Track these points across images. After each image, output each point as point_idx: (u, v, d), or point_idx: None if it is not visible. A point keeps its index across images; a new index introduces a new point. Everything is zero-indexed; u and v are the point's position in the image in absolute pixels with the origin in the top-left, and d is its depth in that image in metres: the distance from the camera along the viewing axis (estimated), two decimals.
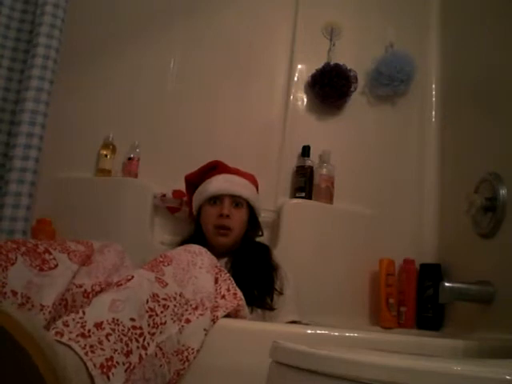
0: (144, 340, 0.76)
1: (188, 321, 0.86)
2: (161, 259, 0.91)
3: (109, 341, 0.69)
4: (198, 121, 1.73)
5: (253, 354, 0.88)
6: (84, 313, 0.71)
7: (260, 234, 1.48)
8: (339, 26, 1.82)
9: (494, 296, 1.19)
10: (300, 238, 1.61)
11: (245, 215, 1.42)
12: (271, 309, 1.29)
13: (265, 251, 1.42)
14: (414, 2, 1.90)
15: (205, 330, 0.88)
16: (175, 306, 0.84)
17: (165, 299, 0.83)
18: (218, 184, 1.40)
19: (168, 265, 0.90)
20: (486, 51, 1.47)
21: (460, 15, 1.73)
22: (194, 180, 1.48)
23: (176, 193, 1.60)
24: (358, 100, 1.79)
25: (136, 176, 1.64)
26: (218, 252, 1.38)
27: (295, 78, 1.81)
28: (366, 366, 0.52)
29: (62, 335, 0.66)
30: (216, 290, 0.97)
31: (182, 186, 1.58)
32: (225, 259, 1.37)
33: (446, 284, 1.21)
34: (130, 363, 0.72)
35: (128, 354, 0.72)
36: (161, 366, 0.78)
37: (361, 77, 1.78)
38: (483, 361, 0.73)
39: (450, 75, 1.75)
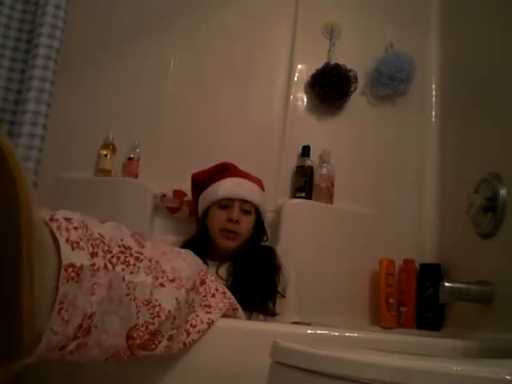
0: (112, 258, 0.70)
1: (162, 285, 0.77)
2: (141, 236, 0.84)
3: (76, 231, 0.66)
4: (197, 121, 1.73)
5: (253, 354, 0.87)
6: (54, 213, 0.68)
7: (265, 239, 1.47)
8: (339, 26, 1.82)
9: (493, 296, 1.19)
10: (300, 238, 1.61)
11: (252, 222, 1.40)
12: (273, 314, 1.27)
13: (268, 254, 1.39)
14: (414, 2, 1.90)
15: (177, 299, 0.79)
16: (149, 267, 0.76)
17: (139, 253, 0.75)
18: (228, 187, 1.38)
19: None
20: (486, 51, 1.47)
21: (460, 15, 1.73)
22: (202, 180, 1.45)
23: (176, 193, 1.60)
24: (357, 100, 1.79)
25: (136, 176, 1.64)
26: (221, 255, 1.37)
27: (295, 78, 1.80)
28: (366, 366, 0.52)
29: None
30: (205, 289, 0.93)
31: (182, 186, 1.58)
32: (227, 264, 1.36)
33: (446, 284, 1.21)
34: (95, 264, 0.66)
35: (93, 255, 0.66)
36: (128, 295, 0.71)
37: (361, 77, 1.78)
38: (483, 361, 0.73)
39: (450, 75, 1.75)
